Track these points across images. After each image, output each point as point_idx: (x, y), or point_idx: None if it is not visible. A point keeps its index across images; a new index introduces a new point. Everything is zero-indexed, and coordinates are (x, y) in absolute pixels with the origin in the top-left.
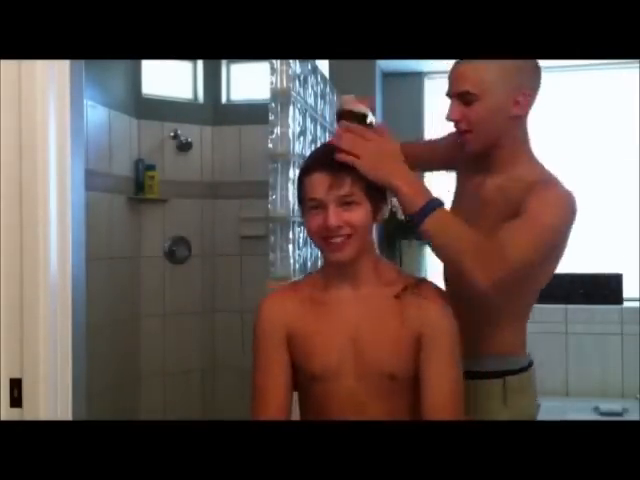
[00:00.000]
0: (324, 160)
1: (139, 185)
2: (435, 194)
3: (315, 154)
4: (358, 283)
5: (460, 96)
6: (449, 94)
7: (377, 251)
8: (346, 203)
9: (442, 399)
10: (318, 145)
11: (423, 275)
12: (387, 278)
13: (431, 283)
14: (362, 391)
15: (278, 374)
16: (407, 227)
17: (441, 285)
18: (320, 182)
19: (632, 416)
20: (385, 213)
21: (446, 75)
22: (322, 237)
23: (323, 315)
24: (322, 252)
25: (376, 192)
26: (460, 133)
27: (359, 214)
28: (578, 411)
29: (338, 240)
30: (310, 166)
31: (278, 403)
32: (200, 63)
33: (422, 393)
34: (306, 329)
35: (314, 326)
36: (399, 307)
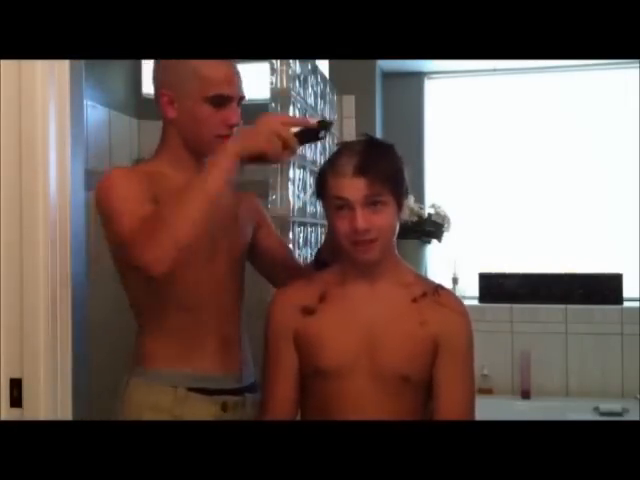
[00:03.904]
0: (353, 161)
1: None
2: None
3: (343, 154)
4: (376, 281)
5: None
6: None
7: (397, 252)
8: (373, 203)
9: (456, 408)
10: (318, 145)
11: (423, 275)
12: (405, 280)
13: (450, 291)
14: (373, 391)
15: (285, 373)
16: (407, 227)
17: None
18: (349, 183)
19: (632, 416)
20: (406, 211)
21: (446, 75)
22: (350, 240)
23: (337, 310)
24: (346, 253)
25: (401, 191)
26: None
27: (386, 216)
28: (578, 411)
29: (366, 243)
30: (339, 166)
31: (284, 401)
32: None
33: (436, 400)
34: (317, 325)
35: (326, 322)
36: (417, 310)
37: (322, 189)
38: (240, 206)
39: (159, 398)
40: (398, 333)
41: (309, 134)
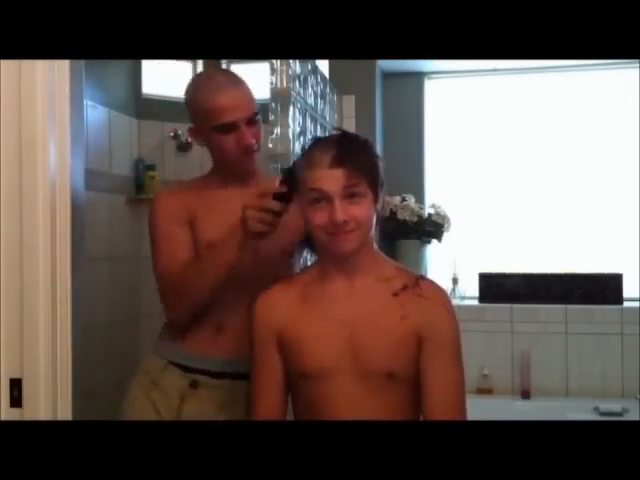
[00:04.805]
0: (329, 153)
1: (139, 185)
2: None
3: (317, 148)
4: (355, 277)
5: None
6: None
7: (375, 245)
8: (350, 195)
9: (444, 402)
10: None
11: (420, 274)
12: (385, 274)
13: (431, 281)
14: (358, 389)
15: (270, 375)
16: (407, 227)
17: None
18: (326, 175)
19: (632, 416)
20: (382, 202)
21: (446, 75)
22: (327, 232)
23: (317, 310)
24: (322, 246)
25: (377, 183)
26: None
27: (364, 208)
28: (578, 411)
29: (343, 234)
30: (314, 159)
31: (271, 404)
32: (200, 63)
33: (423, 395)
34: (299, 327)
35: (308, 323)
36: (397, 304)
37: (296, 183)
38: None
39: (149, 365)
40: (379, 329)
41: (287, 182)
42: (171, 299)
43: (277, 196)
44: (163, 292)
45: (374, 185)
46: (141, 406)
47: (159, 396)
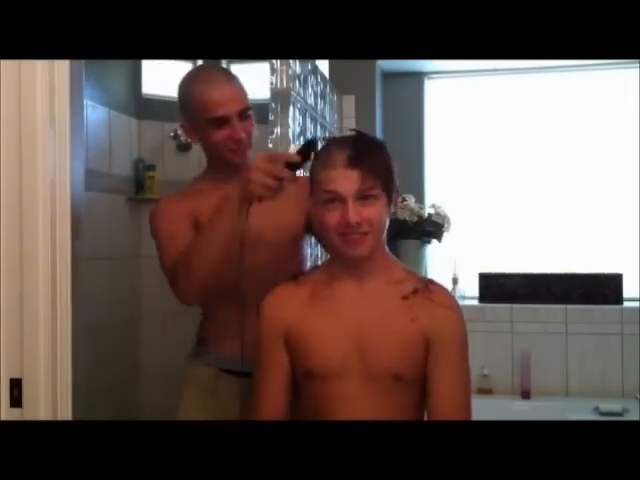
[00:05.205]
0: (344, 154)
1: (139, 185)
2: None
3: (333, 148)
4: (364, 279)
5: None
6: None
7: (387, 248)
8: (364, 197)
9: (450, 405)
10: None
11: (423, 275)
12: (395, 277)
13: (441, 285)
14: (365, 391)
15: (275, 374)
16: (407, 227)
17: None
18: (341, 175)
19: (632, 416)
20: (396, 204)
21: (446, 75)
22: (340, 233)
23: (326, 311)
24: (333, 247)
25: (391, 186)
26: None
27: (377, 210)
28: (578, 411)
29: (356, 236)
30: (330, 159)
31: (274, 403)
32: (200, 63)
33: (429, 397)
34: (307, 326)
35: (316, 323)
36: (407, 307)
37: (311, 183)
38: (293, 191)
39: (199, 373)
40: (388, 331)
41: (303, 153)
42: (178, 282)
43: (289, 164)
44: (170, 278)
45: (388, 188)
46: (196, 418)
47: (216, 405)
